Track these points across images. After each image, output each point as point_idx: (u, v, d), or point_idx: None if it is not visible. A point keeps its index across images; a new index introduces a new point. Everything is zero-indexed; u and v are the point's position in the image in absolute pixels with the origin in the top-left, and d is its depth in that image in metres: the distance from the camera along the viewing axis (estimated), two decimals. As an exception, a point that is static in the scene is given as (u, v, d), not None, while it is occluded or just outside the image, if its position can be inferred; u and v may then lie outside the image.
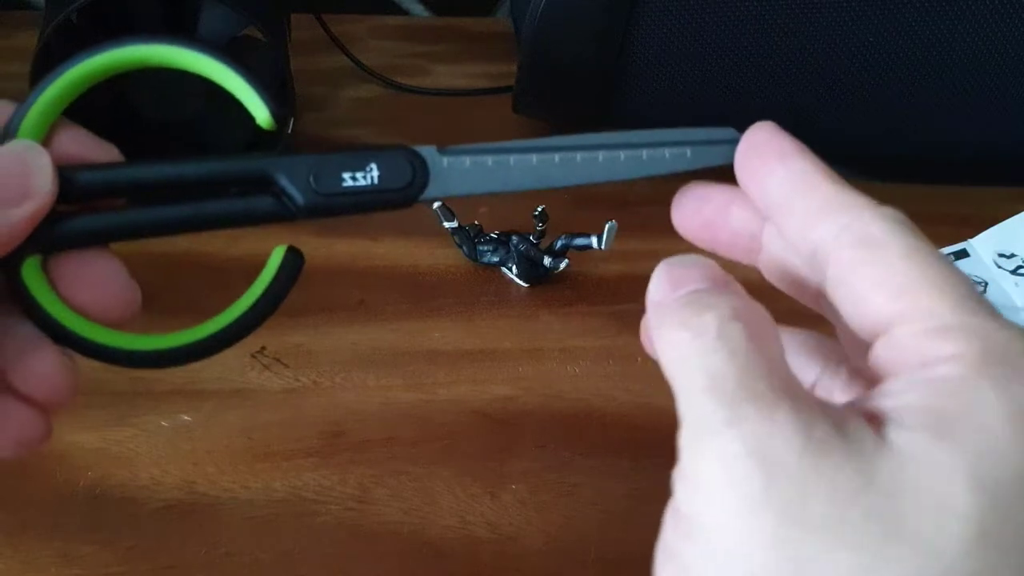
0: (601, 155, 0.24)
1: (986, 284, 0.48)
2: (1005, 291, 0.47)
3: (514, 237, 0.46)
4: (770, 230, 0.23)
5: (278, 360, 0.40)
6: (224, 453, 0.36)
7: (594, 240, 0.44)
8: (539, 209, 0.45)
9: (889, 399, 0.17)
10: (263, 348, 0.41)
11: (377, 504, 0.35)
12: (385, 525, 0.35)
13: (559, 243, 0.45)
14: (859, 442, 0.16)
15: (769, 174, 0.22)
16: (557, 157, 0.24)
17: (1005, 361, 0.17)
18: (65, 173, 0.22)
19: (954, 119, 0.50)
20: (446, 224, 0.46)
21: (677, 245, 0.24)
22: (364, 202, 0.24)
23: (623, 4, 0.44)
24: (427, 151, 0.24)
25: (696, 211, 0.24)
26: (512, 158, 0.24)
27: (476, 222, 0.47)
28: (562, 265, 0.45)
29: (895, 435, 0.16)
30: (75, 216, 0.23)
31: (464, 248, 0.46)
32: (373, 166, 0.23)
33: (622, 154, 0.24)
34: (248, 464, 0.36)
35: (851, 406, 0.18)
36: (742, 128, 0.24)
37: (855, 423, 0.17)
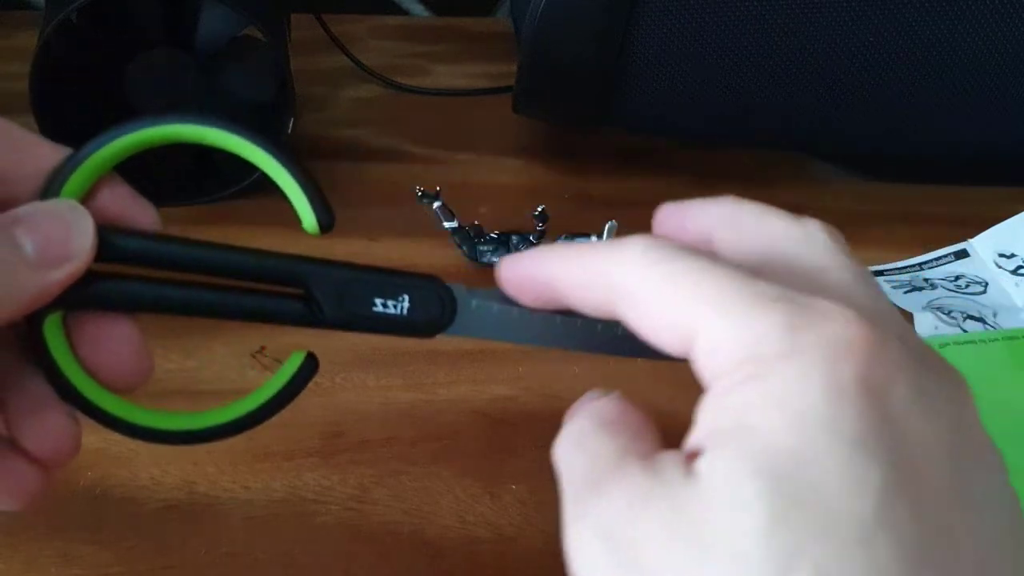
0: (621, 329, 0.24)
1: (986, 284, 0.48)
2: (1005, 291, 0.47)
3: (514, 237, 0.46)
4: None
5: (278, 360, 0.40)
6: (224, 453, 0.36)
7: (594, 240, 0.44)
8: (539, 209, 0.45)
9: (698, 431, 0.18)
10: (263, 348, 0.41)
11: (377, 504, 0.35)
12: (385, 525, 0.35)
13: (559, 243, 0.45)
14: (670, 483, 0.17)
15: (536, 285, 0.23)
16: (579, 322, 0.24)
17: (758, 355, 0.17)
18: (104, 234, 0.22)
19: (954, 119, 0.50)
20: (446, 224, 0.46)
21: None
22: (388, 327, 0.24)
23: (623, 4, 0.44)
24: (457, 289, 0.24)
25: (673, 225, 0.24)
26: (538, 316, 0.24)
27: (476, 222, 0.47)
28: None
29: (698, 462, 0.17)
30: (105, 279, 0.23)
31: (464, 248, 0.46)
32: (405, 297, 0.24)
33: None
34: (248, 464, 0.36)
35: (681, 450, 0.19)
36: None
37: (669, 463, 0.18)
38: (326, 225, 0.24)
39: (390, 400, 0.39)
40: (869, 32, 0.46)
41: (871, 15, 0.45)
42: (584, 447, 0.20)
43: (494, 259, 0.46)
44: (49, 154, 0.23)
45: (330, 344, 0.41)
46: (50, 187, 0.22)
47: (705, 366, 0.18)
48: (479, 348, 0.42)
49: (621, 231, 0.44)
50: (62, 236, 0.21)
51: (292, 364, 0.25)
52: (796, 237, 0.21)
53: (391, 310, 0.24)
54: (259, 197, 0.47)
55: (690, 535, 0.16)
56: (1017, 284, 0.47)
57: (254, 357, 0.40)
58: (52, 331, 0.22)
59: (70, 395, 0.23)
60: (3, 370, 0.23)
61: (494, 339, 0.24)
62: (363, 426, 0.38)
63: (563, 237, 0.45)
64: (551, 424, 0.39)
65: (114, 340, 0.23)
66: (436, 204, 0.45)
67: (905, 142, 0.52)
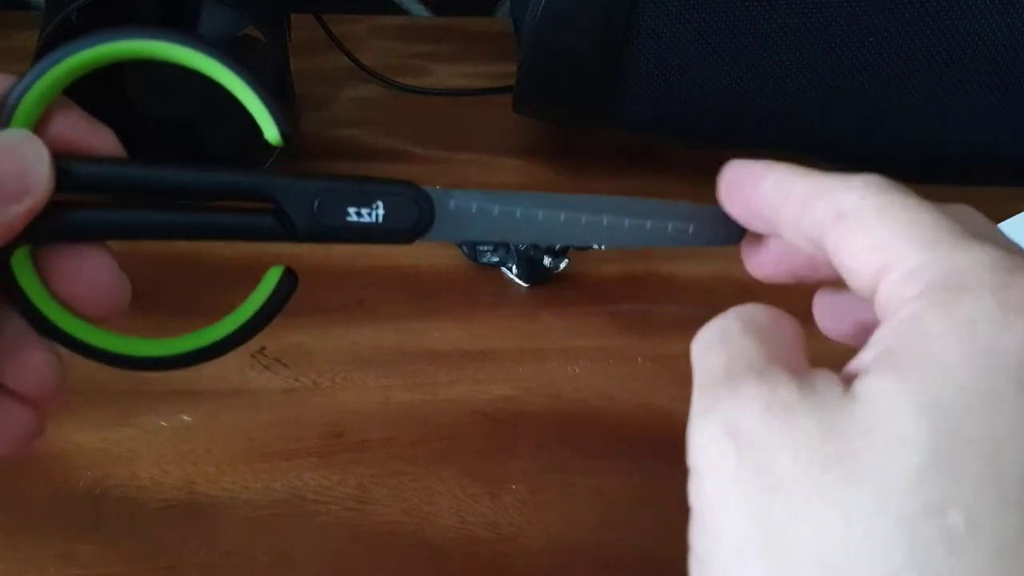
0: (605, 219, 0.24)
1: (986, 284, 0.48)
2: (1005, 291, 0.47)
3: (514, 237, 0.46)
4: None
5: (278, 360, 0.40)
6: (224, 453, 0.36)
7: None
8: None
9: (867, 352, 0.18)
10: (263, 348, 0.41)
11: (377, 504, 0.35)
12: (385, 525, 0.35)
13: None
14: (823, 397, 0.17)
15: (753, 196, 0.22)
16: (563, 216, 0.24)
17: (957, 284, 0.17)
18: (62, 163, 0.21)
19: (954, 119, 0.50)
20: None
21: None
22: (364, 236, 0.24)
23: (623, 4, 0.44)
24: (434, 191, 0.24)
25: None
26: (518, 210, 0.24)
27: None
28: (562, 265, 0.45)
29: (858, 384, 0.17)
30: (70, 209, 0.22)
31: (464, 248, 0.46)
32: (380, 204, 0.23)
33: (626, 221, 0.24)
34: (248, 464, 0.36)
35: (838, 370, 0.18)
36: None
37: (823, 381, 0.17)
38: (286, 134, 0.23)
39: (390, 400, 0.39)
40: (870, 32, 0.46)
41: (871, 15, 0.45)
42: (728, 345, 0.19)
43: (494, 259, 0.46)
44: (1, 82, 0.22)
45: (330, 344, 0.41)
46: (1, 112, 0.22)
47: (893, 295, 0.18)
48: (479, 348, 0.42)
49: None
50: (18, 169, 0.21)
51: (270, 280, 0.24)
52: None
53: (365, 218, 0.23)
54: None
55: (835, 456, 0.16)
56: (1017, 284, 0.47)
57: (254, 357, 0.40)
58: (20, 266, 0.22)
59: (47, 328, 0.22)
60: None
61: (475, 240, 0.24)
62: (363, 426, 0.38)
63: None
64: (551, 424, 0.40)
65: (85, 270, 0.23)
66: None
67: (906, 142, 0.52)
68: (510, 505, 0.36)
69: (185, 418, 0.37)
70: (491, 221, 0.24)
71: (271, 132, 0.23)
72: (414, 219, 0.24)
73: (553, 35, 0.45)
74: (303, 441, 0.37)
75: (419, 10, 0.71)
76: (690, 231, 0.24)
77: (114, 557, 0.33)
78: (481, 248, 0.46)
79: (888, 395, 0.16)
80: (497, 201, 0.24)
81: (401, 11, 0.70)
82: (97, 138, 0.23)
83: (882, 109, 0.49)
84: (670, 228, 0.24)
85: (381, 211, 0.23)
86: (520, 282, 0.46)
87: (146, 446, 0.36)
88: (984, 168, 0.55)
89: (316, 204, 0.23)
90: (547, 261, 0.45)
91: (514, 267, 0.45)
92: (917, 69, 0.47)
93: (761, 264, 0.24)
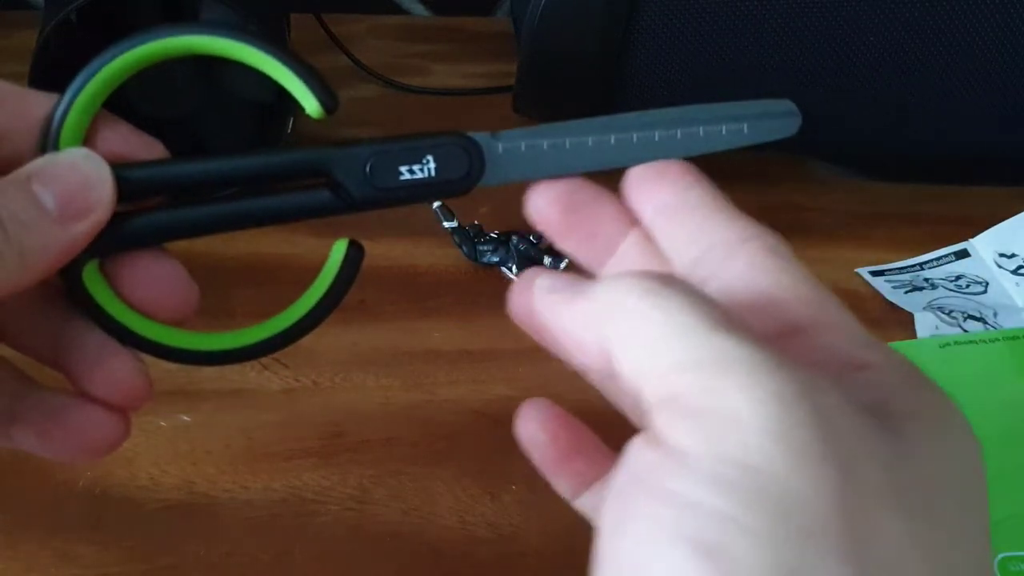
0: (657, 134, 0.23)
1: (987, 284, 0.48)
2: (1006, 291, 0.47)
3: (514, 237, 0.46)
4: (633, 239, 0.23)
5: (277, 360, 0.40)
6: (223, 453, 0.36)
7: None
8: (539, 209, 0.45)
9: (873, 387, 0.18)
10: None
11: (377, 504, 0.35)
12: (385, 526, 0.35)
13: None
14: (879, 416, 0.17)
15: (660, 191, 0.22)
16: (613, 138, 0.23)
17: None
18: (117, 172, 0.22)
19: (954, 119, 0.50)
20: (446, 224, 0.46)
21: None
22: (421, 193, 0.23)
23: (623, 4, 0.44)
24: (481, 137, 0.24)
25: (568, 204, 0.24)
26: (568, 140, 0.23)
27: (476, 222, 0.47)
28: (562, 265, 0.45)
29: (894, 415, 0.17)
30: (130, 217, 0.22)
31: (464, 248, 0.46)
32: (430, 158, 0.23)
33: (679, 132, 0.24)
34: (247, 464, 0.36)
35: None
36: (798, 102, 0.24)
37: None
38: (329, 106, 0.23)
39: (390, 400, 0.39)
40: (870, 32, 0.46)
41: (872, 15, 0.45)
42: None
43: (494, 259, 0.46)
44: (44, 103, 0.22)
45: (330, 344, 0.41)
46: (47, 133, 0.22)
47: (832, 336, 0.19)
48: (479, 348, 0.42)
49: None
50: (82, 187, 0.21)
51: (337, 254, 0.24)
52: (737, 249, 0.20)
53: (419, 175, 0.23)
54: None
55: (919, 479, 0.16)
56: (1018, 284, 0.47)
57: (254, 357, 0.40)
58: (92, 279, 0.22)
59: (126, 337, 0.22)
60: (56, 329, 0.22)
61: (530, 178, 0.24)
62: (363, 426, 0.38)
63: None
64: (551, 424, 0.39)
65: (153, 275, 0.23)
66: (436, 204, 0.45)
67: (906, 142, 0.52)
68: (510, 505, 0.36)
69: (184, 418, 0.37)
70: (542, 157, 0.24)
71: (311, 105, 0.23)
72: (465, 168, 0.23)
73: (553, 35, 0.45)
74: (303, 441, 0.37)
75: (419, 10, 0.71)
76: (745, 129, 0.24)
77: (114, 557, 0.33)
78: (481, 248, 0.46)
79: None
80: (545, 135, 0.24)
81: (401, 11, 0.70)
82: (146, 149, 0.23)
83: (882, 109, 0.49)
84: (724, 130, 0.24)
85: (432, 165, 0.23)
86: (520, 282, 0.46)
87: (145, 446, 0.36)
88: (985, 168, 0.55)
89: (368, 169, 0.23)
90: (547, 261, 0.45)
91: (514, 267, 0.45)
92: (917, 69, 0.47)
93: (551, 204, 0.23)
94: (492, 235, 0.46)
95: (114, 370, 0.22)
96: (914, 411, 0.17)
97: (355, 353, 0.41)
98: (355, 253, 0.24)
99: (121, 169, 0.22)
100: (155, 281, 0.23)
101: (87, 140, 0.22)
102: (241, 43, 0.23)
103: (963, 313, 0.45)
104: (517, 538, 0.35)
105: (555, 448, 0.24)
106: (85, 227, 0.21)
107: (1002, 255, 0.49)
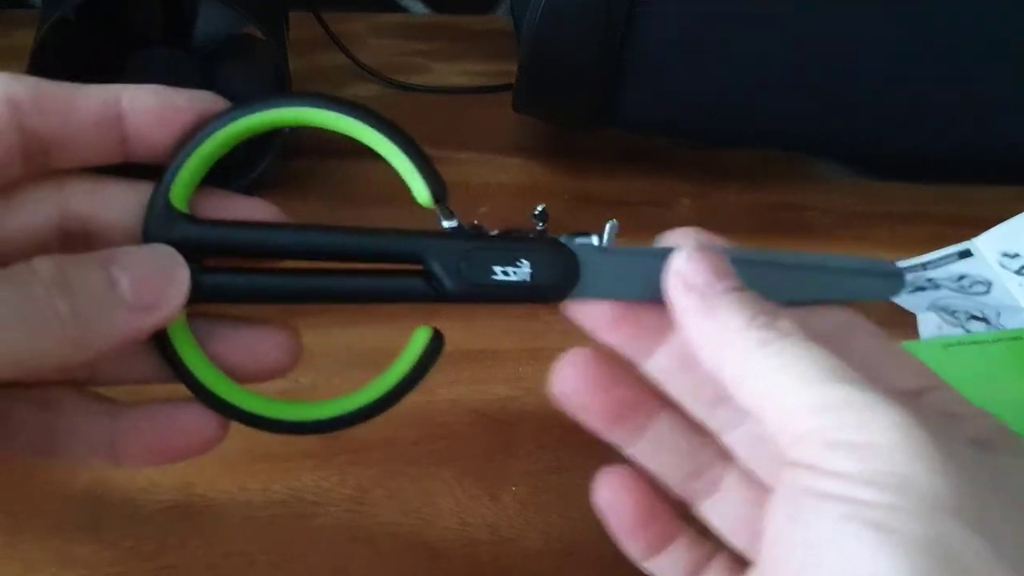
0: (769, 274, 0.24)
1: (990, 284, 0.48)
2: (1009, 291, 0.47)
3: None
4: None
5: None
6: (222, 454, 0.36)
7: (595, 239, 0.44)
8: (539, 209, 0.45)
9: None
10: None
11: (376, 505, 0.35)
12: (384, 526, 0.35)
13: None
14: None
15: (692, 318, 0.23)
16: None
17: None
18: (196, 276, 0.22)
19: (955, 119, 0.50)
20: (446, 223, 0.46)
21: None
22: (512, 295, 0.24)
23: (623, 4, 0.44)
24: (580, 249, 0.24)
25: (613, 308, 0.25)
26: (660, 264, 0.23)
27: (476, 221, 0.47)
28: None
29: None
30: (222, 272, 0.23)
31: (464, 247, 0.46)
32: (525, 262, 0.24)
33: (783, 276, 0.24)
34: (247, 465, 0.36)
35: None
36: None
37: None
38: (439, 196, 0.24)
39: (390, 400, 0.39)
40: (870, 31, 0.46)
41: (873, 15, 0.45)
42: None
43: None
44: (94, 103, 0.22)
45: (330, 344, 0.41)
46: (157, 192, 0.22)
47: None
48: (479, 348, 0.42)
49: (621, 231, 0.43)
50: (157, 283, 0.21)
51: (418, 341, 0.24)
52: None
53: (512, 277, 0.23)
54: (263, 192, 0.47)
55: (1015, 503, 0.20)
56: (1021, 284, 0.47)
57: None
58: (178, 335, 0.22)
59: (203, 396, 0.23)
60: (146, 372, 0.24)
61: (625, 299, 0.24)
62: (362, 427, 0.38)
63: (563, 236, 0.45)
64: (551, 424, 0.39)
65: (242, 337, 0.24)
66: (436, 204, 0.45)
67: (906, 141, 0.52)
68: (510, 506, 0.36)
69: (184, 418, 0.37)
70: (634, 280, 0.24)
71: (421, 193, 0.24)
72: (560, 277, 0.24)
73: (553, 34, 0.45)
74: (302, 442, 0.37)
75: (418, 8, 0.70)
76: (855, 287, 0.25)
77: (114, 557, 0.32)
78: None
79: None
80: (638, 256, 0.24)
81: (400, 9, 0.70)
82: (250, 211, 0.24)
83: (883, 110, 0.49)
84: (837, 284, 0.25)
85: (527, 269, 0.24)
86: (520, 282, 0.45)
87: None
88: (987, 167, 0.55)
89: (462, 263, 0.23)
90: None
91: (514, 267, 0.45)
92: (918, 70, 0.47)
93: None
94: (492, 234, 0.46)
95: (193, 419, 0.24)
96: (1004, 446, 0.22)
97: (355, 353, 0.41)
98: (436, 344, 0.24)
99: (222, 225, 0.22)
100: (242, 342, 0.24)
101: (191, 200, 0.23)
102: (363, 124, 0.23)
103: (966, 313, 0.45)
104: (517, 539, 0.35)
105: (634, 514, 0.25)
106: (152, 320, 0.21)
107: (1005, 255, 0.49)
